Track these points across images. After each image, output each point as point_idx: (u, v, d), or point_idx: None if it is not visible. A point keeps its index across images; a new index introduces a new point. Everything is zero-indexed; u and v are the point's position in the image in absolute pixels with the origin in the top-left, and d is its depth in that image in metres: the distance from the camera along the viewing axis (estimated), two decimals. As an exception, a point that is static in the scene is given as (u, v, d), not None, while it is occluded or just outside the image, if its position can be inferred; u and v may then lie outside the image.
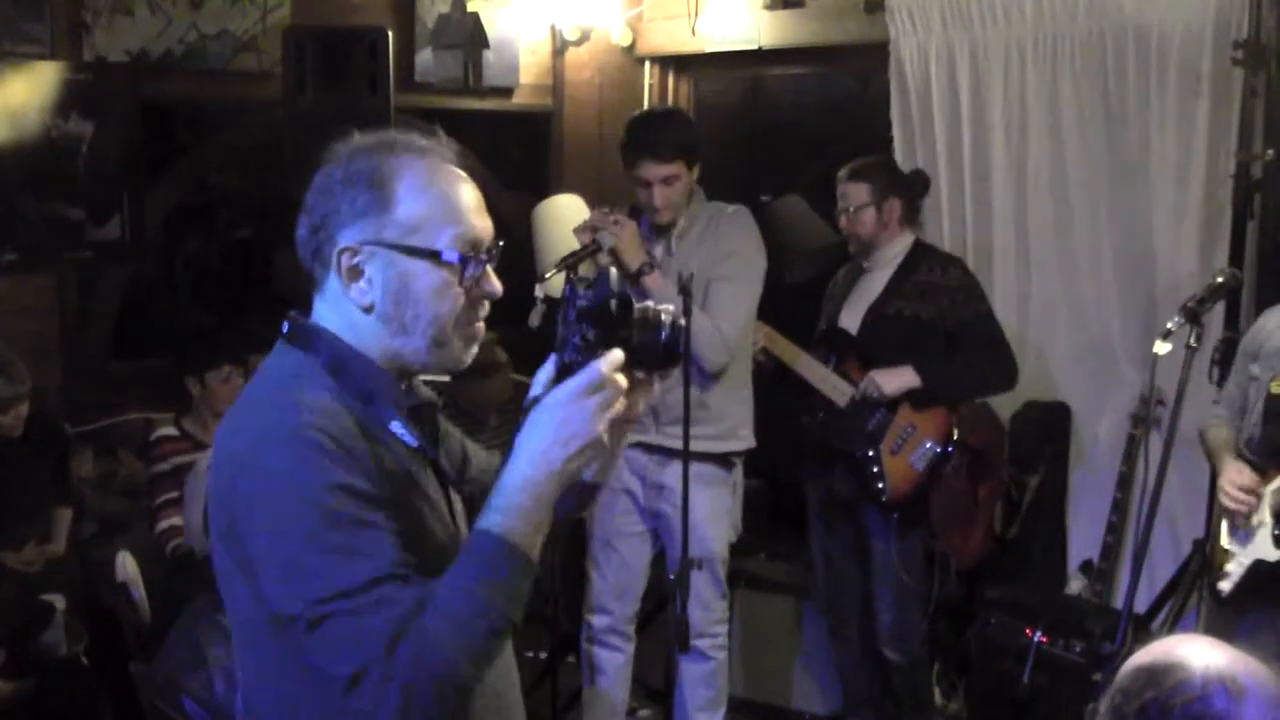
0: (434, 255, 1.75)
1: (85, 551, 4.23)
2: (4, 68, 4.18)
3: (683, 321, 1.79)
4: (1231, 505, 3.24)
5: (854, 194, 4.08)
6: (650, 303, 1.77)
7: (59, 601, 3.84)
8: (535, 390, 1.74)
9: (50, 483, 4.10)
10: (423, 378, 1.91)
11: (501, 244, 1.83)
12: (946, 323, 4.00)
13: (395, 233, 1.74)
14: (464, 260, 1.76)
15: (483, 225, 1.80)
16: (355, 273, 1.76)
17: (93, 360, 4.60)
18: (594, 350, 1.71)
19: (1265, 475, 3.23)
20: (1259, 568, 3.19)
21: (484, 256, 1.80)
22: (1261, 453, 3.27)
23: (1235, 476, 3.25)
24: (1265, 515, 3.20)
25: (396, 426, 1.77)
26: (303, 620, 1.61)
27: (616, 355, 1.70)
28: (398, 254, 1.75)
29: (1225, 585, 3.26)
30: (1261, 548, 3.18)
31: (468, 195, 1.80)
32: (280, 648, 1.69)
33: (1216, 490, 3.34)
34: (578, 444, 1.67)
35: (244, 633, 1.79)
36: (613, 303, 1.72)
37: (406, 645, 1.58)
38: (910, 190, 4.19)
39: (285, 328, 1.82)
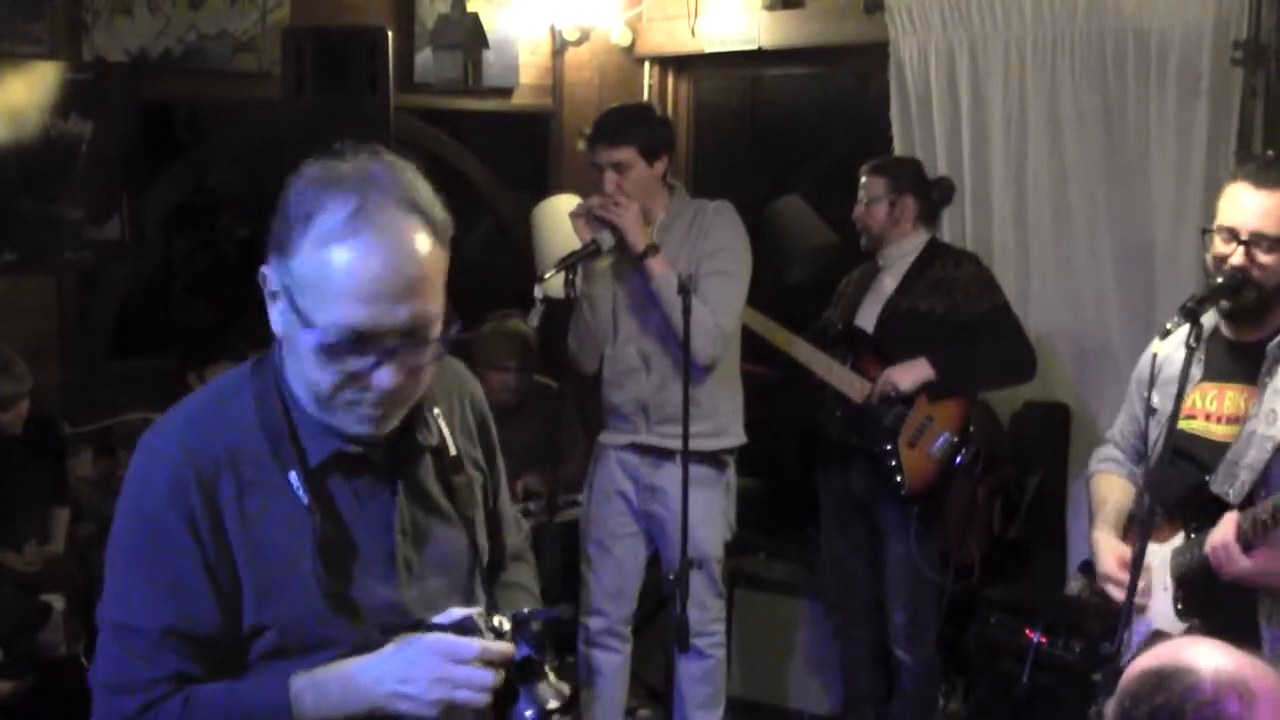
0: (309, 326, 1.56)
1: (84, 551, 4.22)
2: (3, 67, 4.17)
3: None
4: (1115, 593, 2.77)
5: (870, 187, 4.13)
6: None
7: (57, 601, 3.86)
8: (437, 619, 1.69)
9: (48, 482, 4.10)
10: None
11: (445, 336, 1.60)
12: (962, 316, 4.01)
13: (292, 282, 1.57)
14: (330, 348, 1.54)
15: (383, 315, 1.53)
16: (273, 296, 1.62)
17: (92, 360, 4.59)
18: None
19: (1165, 529, 2.79)
20: (1157, 641, 2.56)
21: (377, 354, 1.55)
22: (1165, 501, 2.75)
23: (1117, 573, 2.77)
24: (1166, 578, 2.75)
25: (293, 478, 1.65)
26: (101, 623, 1.71)
27: (506, 649, 1.65)
28: (289, 304, 1.58)
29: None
30: (1162, 617, 2.76)
31: (375, 277, 1.52)
32: None
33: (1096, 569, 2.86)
34: (408, 691, 1.63)
35: None
36: (545, 690, 1.67)
37: (133, 700, 1.65)
38: (929, 193, 4.21)
39: None
